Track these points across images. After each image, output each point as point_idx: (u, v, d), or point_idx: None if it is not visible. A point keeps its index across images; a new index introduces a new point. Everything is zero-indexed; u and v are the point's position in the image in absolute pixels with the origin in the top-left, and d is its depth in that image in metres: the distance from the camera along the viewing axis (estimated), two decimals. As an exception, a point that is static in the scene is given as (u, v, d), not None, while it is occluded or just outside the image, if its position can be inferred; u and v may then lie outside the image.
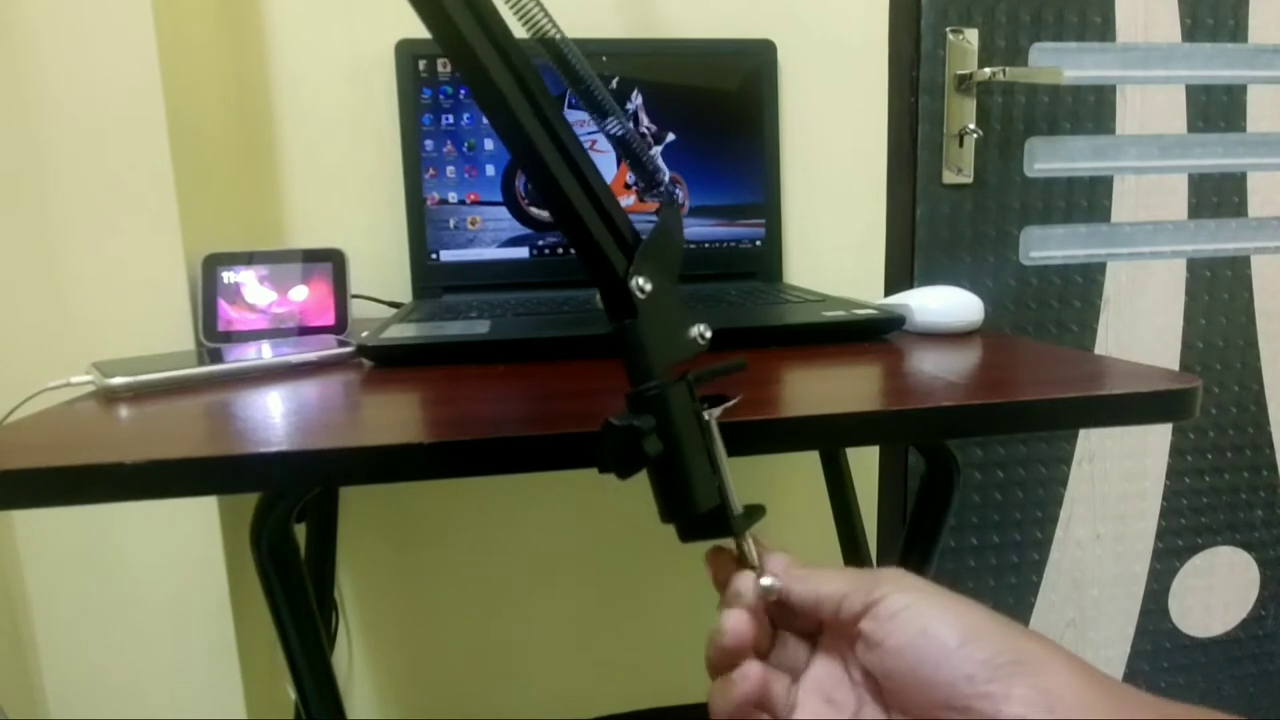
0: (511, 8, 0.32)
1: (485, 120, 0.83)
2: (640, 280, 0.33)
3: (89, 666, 0.74)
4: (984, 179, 1.03)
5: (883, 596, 0.28)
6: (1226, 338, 1.13)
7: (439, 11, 0.30)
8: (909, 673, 0.26)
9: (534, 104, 0.32)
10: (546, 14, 0.33)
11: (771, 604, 0.32)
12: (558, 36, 0.33)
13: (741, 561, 0.33)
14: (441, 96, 0.83)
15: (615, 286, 0.33)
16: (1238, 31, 1.05)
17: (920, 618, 0.27)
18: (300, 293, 0.71)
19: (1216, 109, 1.07)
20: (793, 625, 0.33)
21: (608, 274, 0.34)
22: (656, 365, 0.33)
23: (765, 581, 0.31)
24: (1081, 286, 1.08)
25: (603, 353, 0.55)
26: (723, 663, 0.30)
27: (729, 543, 0.33)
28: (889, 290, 1.02)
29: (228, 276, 0.70)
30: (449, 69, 0.83)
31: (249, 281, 0.70)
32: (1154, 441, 1.16)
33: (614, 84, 0.86)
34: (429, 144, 0.83)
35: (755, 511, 0.34)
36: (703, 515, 0.32)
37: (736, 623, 0.30)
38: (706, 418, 0.33)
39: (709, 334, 0.36)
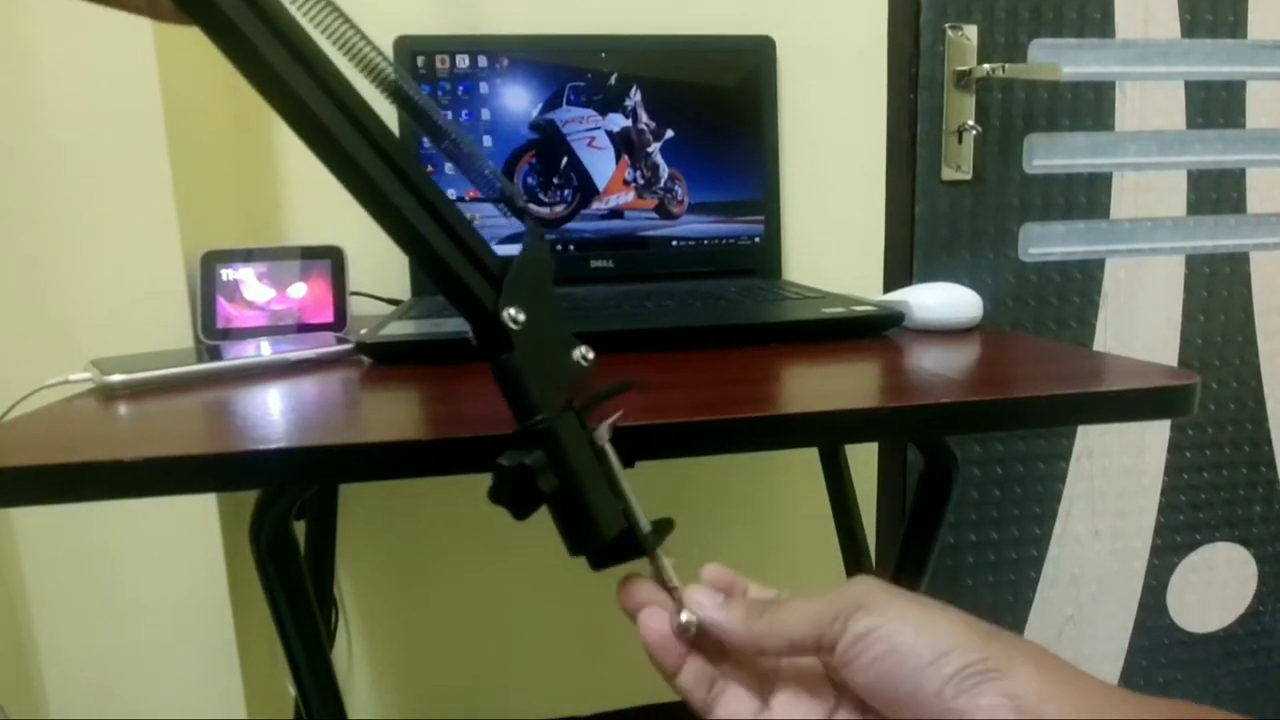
0: (332, 40, 0.30)
1: (484, 118, 0.84)
2: (512, 311, 0.31)
3: (89, 665, 0.74)
4: (983, 175, 1.03)
5: (854, 622, 0.28)
6: (1225, 334, 1.14)
7: (252, 53, 0.28)
8: (881, 691, 0.26)
9: (368, 137, 0.30)
10: (366, 40, 0.30)
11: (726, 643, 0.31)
12: (379, 61, 0.31)
13: (658, 581, 0.32)
14: (440, 93, 0.83)
15: (486, 321, 0.32)
16: (1237, 28, 1.05)
17: (889, 637, 0.26)
18: (299, 290, 0.71)
19: (1216, 105, 1.07)
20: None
21: (476, 308, 0.32)
22: (540, 397, 0.31)
23: (683, 617, 0.31)
24: (1080, 283, 1.08)
25: (604, 349, 0.54)
26: (666, 666, 0.31)
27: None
28: (888, 287, 1.02)
29: (226, 274, 0.69)
30: (448, 66, 0.83)
31: (248, 279, 0.70)
32: (1152, 438, 1.16)
33: (613, 80, 0.86)
34: (427, 141, 0.83)
35: (664, 526, 0.33)
36: (611, 542, 0.31)
37: (651, 622, 0.31)
38: (600, 443, 0.32)
39: (591, 355, 0.34)
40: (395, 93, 0.31)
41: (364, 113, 0.30)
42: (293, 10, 0.29)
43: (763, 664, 0.32)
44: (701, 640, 0.31)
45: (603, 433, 0.32)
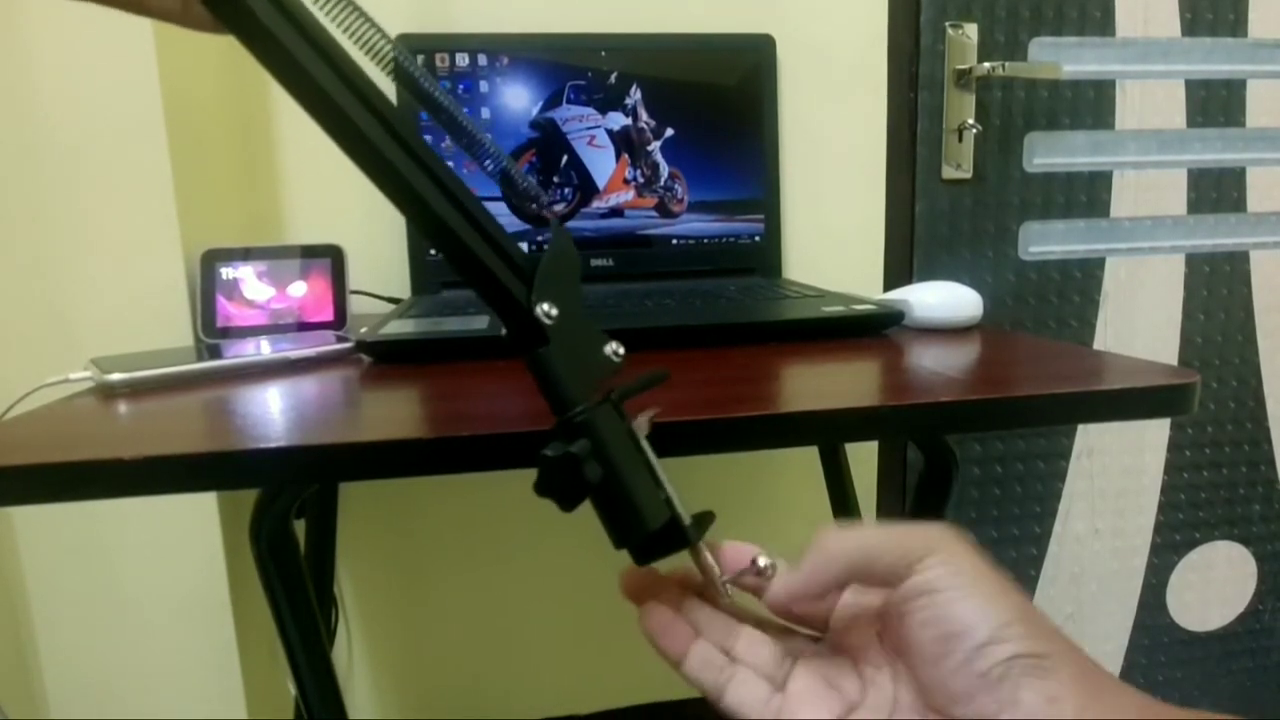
0: (362, 47, 0.31)
1: (485, 117, 0.83)
2: (545, 306, 0.32)
3: (89, 664, 0.74)
4: (983, 174, 1.03)
5: (921, 569, 0.27)
6: (1225, 333, 1.14)
7: (291, 62, 0.28)
8: (929, 652, 0.26)
9: (401, 142, 0.31)
10: (396, 46, 0.31)
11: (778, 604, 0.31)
12: (415, 71, 0.31)
13: (703, 572, 0.32)
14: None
15: (520, 316, 0.32)
16: (1237, 26, 1.05)
17: (954, 602, 0.26)
18: (299, 288, 0.71)
19: (1216, 104, 1.07)
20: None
21: (510, 304, 0.32)
22: (578, 390, 0.32)
23: (761, 561, 0.31)
24: (1080, 282, 1.08)
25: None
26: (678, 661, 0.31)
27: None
28: (888, 286, 1.02)
29: (226, 272, 0.69)
30: (448, 64, 0.83)
31: (247, 277, 0.70)
32: (1152, 437, 1.16)
33: (613, 79, 0.86)
34: (428, 139, 0.83)
35: (705, 518, 0.33)
36: (655, 533, 0.31)
37: (652, 609, 0.31)
38: (639, 435, 0.32)
39: (622, 351, 0.35)
40: (429, 102, 0.32)
41: (396, 119, 0.31)
42: (317, 12, 0.30)
43: (780, 646, 0.32)
44: (710, 621, 0.31)
45: (642, 424, 0.33)
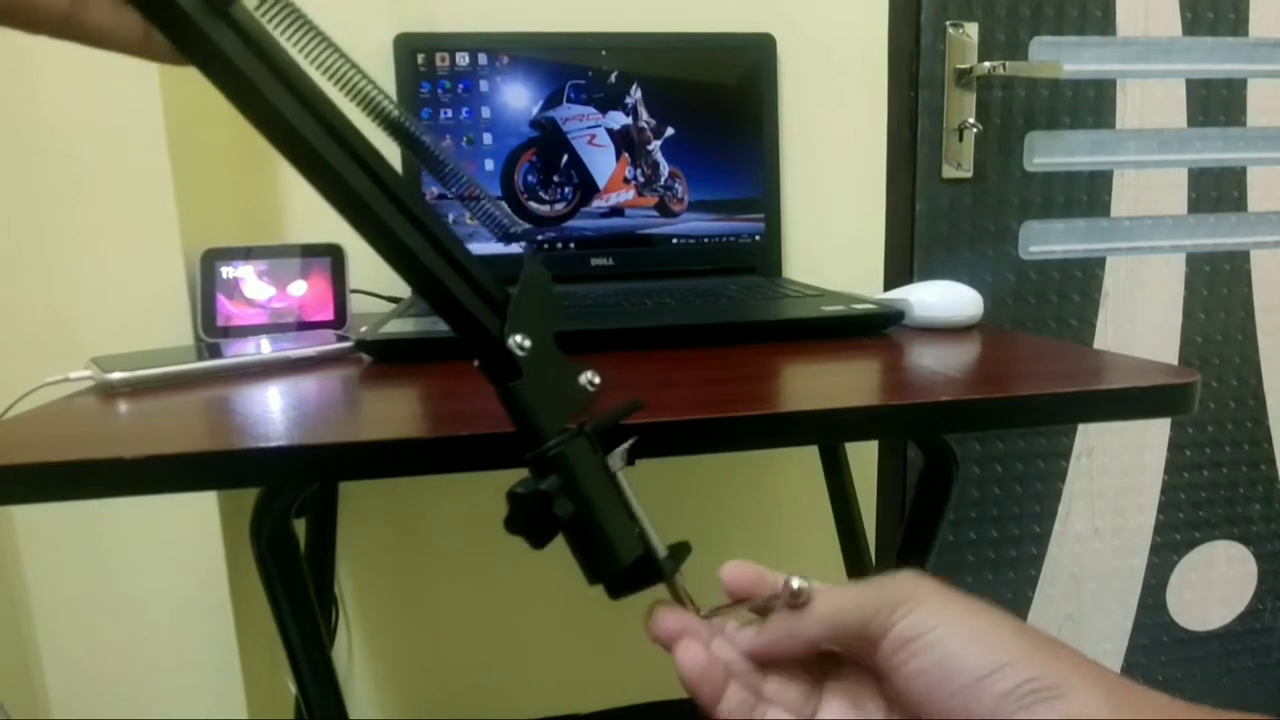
0: (334, 81, 0.30)
1: (485, 116, 0.83)
2: (518, 338, 0.31)
3: (90, 664, 0.74)
4: (983, 173, 1.03)
5: (898, 619, 0.26)
6: (1225, 333, 1.14)
7: (259, 98, 0.28)
8: (930, 703, 0.25)
9: (371, 174, 0.30)
10: (371, 82, 0.31)
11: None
12: (389, 107, 0.31)
13: (680, 606, 0.31)
14: (440, 91, 0.83)
15: (492, 349, 0.32)
16: (1238, 25, 1.05)
17: (936, 646, 0.25)
18: (299, 288, 0.71)
19: (1216, 103, 1.07)
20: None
21: (482, 337, 0.32)
22: (551, 423, 0.31)
23: (795, 584, 0.29)
24: (1081, 281, 1.08)
25: (604, 347, 0.54)
26: (702, 695, 0.30)
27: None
28: (888, 285, 1.02)
29: (226, 271, 0.69)
30: (448, 63, 0.83)
31: (248, 276, 0.70)
32: (1152, 436, 1.16)
33: (613, 78, 0.86)
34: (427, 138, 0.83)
35: (681, 550, 0.32)
36: (629, 568, 0.31)
37: (688, 653, 0.29)
38: (613, 468, 0.32)
39: (598, 380, 0.34)
40: (392, 124, 0.31)
41: (361, 144, 0.31)
42: (288, 47, 0.29)
43: (809, 676, 0.31)
44: (739, 660, 0.30)
45: (617, 459, 0.32)
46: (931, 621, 0.25)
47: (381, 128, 0.31)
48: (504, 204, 0.36)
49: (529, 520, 0.30)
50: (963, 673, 0.24)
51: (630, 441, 0.33)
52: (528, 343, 0.32)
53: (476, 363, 0.33)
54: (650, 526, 0.32)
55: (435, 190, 0.82)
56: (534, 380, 0.31)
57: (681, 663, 0.30)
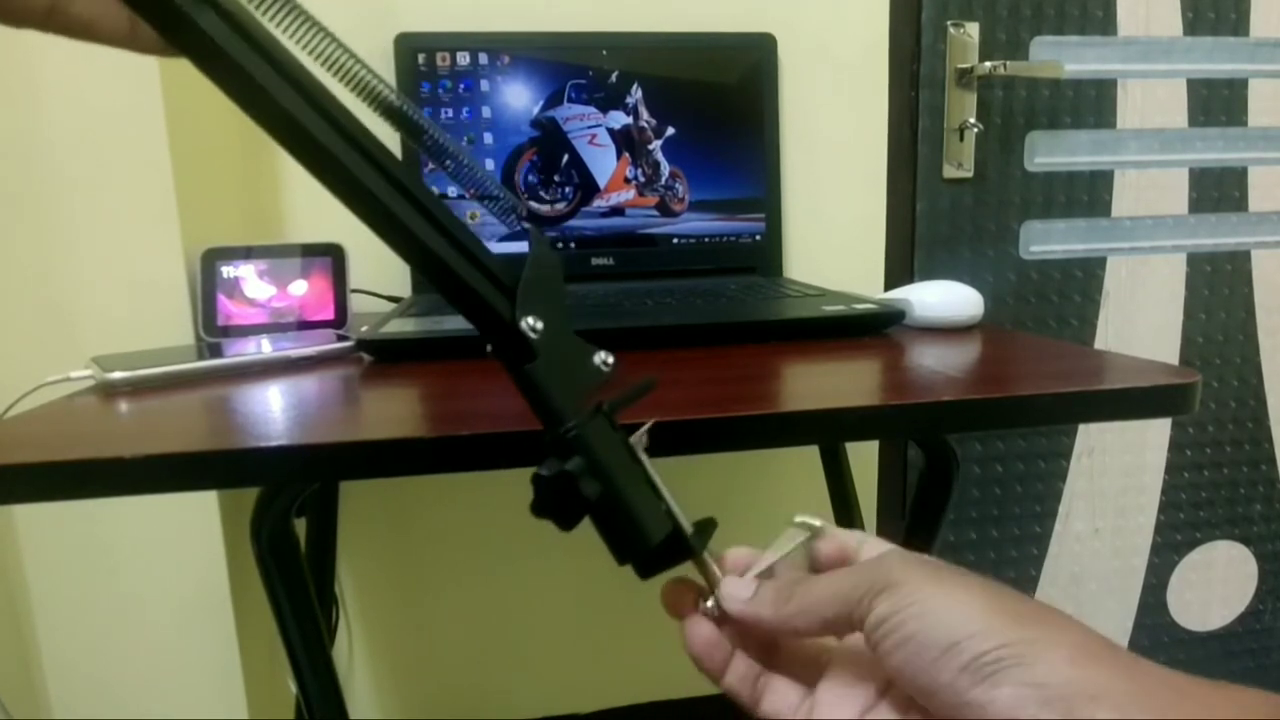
0: (329, 68, 0.30)
1: (485, 116, 0.83)
2: (530, 320, 0.31)
3: (91, 664, 0.74)
4: (984, 173, 1.03)
5: (880, 601, 0.26)
6: (1226, 332, 1.13)
7: (251, 85, 0.28)
8: (909, 680, 0.25)
9: (367, 155, 0.30)
10: (366, 67, 0.30)
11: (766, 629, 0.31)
12: (387, 93, 0.30)
13: (708, 582, 0.32)
14: (441, 90, 0.83)
15: (505, 332, 0.31)
16: (1239, 25, 1.05)
17: (909, 622, 0.25)
18: (299, 287, 0.71)
19: (1217, 103, 1.07)
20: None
21: (494, 321, 0.31)
22: (568, 404, 0.31)
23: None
24: (1081, 281, 1.08)
25: (605, 347, 0.54)
26: (708, 668, 0.31)
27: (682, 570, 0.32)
28: (889, 285, 1.02)
29: (227, 271, 0.69)
30: (448, 63, 0.83)
31: (248, 276, 0.70)
32: (1153, 436, 1.16)
33: (614, 78, 0.85)
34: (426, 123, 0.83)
35: (708, 526, 0.32)
36: (657, 546, 0.31)
37: (695, 630, 0.30)
38: (636, 447, 0.31)
39: (611, 360, 0.33)
40: (388, 109, 0.31)
41: (359, 130, 0.30)
42: (280, 34, 0.29)
43: (811, 648, 0.31)
44: (747, 633, 0.31)
45: (640, 437, 0.32)
46: (909, 600, 0.25)
47: (380, 114, 0.31)
48: (509, 193, 0.35)
49: (555, 502, 0.30)
50: (931, 647, 0.24)
51: (651, 422, 0.32)
52: (540, 324, 0.31)
53: (489, 348, 0.32)
54: (676, 504, 0.32)
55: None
56: (549, 362, 0.31)
57: (690, 638, 0.31)
